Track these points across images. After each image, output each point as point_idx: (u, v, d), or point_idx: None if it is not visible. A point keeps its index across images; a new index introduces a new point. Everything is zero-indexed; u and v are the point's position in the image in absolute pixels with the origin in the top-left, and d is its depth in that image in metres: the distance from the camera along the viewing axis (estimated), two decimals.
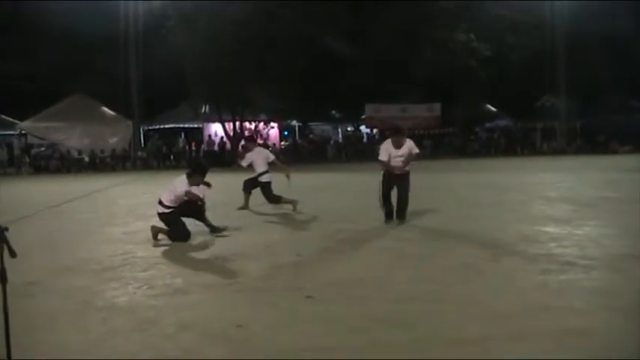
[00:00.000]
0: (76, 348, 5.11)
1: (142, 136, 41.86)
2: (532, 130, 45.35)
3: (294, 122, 46.63)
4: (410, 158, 10.96)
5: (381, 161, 11.03)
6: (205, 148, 41.05)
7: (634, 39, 38.35)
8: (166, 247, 9.51)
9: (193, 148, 41.87)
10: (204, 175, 10.32)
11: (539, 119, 44.82)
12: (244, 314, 5.85)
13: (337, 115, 49.04)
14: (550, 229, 10.11)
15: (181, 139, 42.61)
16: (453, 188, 18.66)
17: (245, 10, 34.19)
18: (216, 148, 40.80)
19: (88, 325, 5.69)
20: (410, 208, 11.13)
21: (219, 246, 9.45)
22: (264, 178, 13.77)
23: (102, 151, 37.91)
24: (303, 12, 35.25)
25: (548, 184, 18.69)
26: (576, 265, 7.44)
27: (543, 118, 44.44)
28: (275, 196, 13.69)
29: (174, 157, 40.21)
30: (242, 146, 16.21)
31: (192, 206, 10.16)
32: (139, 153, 39.51)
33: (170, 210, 10.10)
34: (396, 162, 10.91)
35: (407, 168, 11.10)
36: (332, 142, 45.69)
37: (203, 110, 40.66)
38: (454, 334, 5.11)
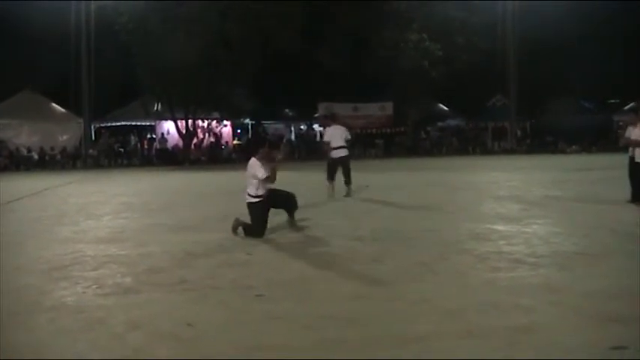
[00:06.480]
0: (25, 348, 5.02)
1: (92, 133, 41.34)
2: (483, 129, 45.93)
3: (247, 120, 46.50)
4: None
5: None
6: (157, 146, 40.73)
7: (585, 40, 39.08)
8: (116, 246, 9.39)
9: (145, 146, 41.52)
10: (274, 148, 10.29)
11: (490, 119, 45.38)
12: (194, 313, 5.81)
13: (290, 114, 49.05)
14: (500, 227, 10.24)
15: (134, 137, 42.21)
16: (404, 187, 18.76)
17: (197, 8, 34.07)
18: (168, 146, 40.53)
19: (37, 326, 5.59)
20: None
21: (170, 244, 9.36)
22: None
23: (52, 149, 37.34)
24: (256, 11, 35.23)
25: (499, 183, 18.93)
26: (525, 262, 7.55)
27: (494, 118, 45.00)
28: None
29: (126, 156, 39.80)
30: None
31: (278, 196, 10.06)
32: (90, 151, 38.99)
33: (257, 200, 9.87)
34: None
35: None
36: (285, 140, 45.58)
37: (155, 108, 40.30)
38: (405, 332, 5.14)
